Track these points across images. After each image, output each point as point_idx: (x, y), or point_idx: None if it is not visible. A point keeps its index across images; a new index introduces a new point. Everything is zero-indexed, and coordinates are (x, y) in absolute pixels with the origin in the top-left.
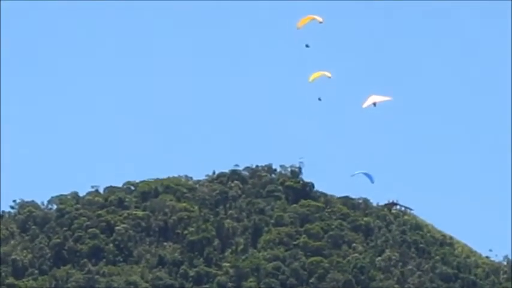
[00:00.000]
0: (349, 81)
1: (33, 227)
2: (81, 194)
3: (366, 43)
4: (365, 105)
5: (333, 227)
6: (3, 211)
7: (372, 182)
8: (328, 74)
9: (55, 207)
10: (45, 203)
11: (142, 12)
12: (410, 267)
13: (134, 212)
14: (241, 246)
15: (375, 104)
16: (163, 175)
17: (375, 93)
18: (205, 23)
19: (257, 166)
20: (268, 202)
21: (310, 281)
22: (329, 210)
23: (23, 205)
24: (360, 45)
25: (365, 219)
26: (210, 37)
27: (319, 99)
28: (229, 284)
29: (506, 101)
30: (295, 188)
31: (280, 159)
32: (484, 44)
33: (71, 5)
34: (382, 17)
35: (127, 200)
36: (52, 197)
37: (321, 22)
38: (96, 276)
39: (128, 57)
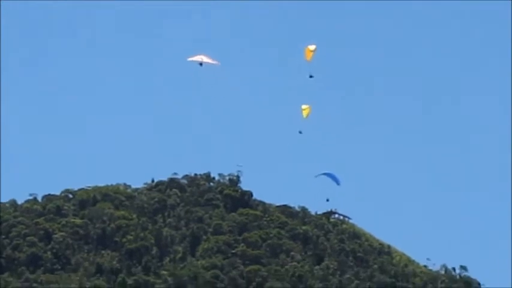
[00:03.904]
0: (290, 90)
1: None
2: (19, 202)
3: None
4: (191, 59)
5: (271, 235)
6: None
7: (338, 183)
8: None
9: None
10: None
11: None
12: (348, 276)
13: (72, 220)
14: (180, 255)
15: (201, 64)
16: (101, 183)
17: (206, 55)
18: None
19: (195, 174)
20: (206, 210)
21: None
22: (267, 218)
23: None
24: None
25: (303, 227)
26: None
27: (300, 132)
28: None
29: (451, 107)
30: (234, 197)
31: (218, 168)
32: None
33: (71, 5)
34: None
35: (65, 207)
36: None
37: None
38: (34, 285)
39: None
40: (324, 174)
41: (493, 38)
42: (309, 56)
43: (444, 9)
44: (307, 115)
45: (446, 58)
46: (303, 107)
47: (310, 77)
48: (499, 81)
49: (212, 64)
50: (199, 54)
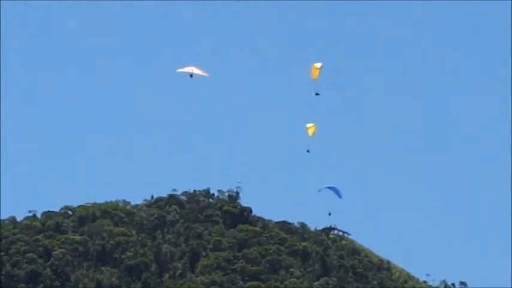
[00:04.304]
0: (289, 106)
1: None
2: (18, 219)
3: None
4: (180, 70)
5: (271, 251)
6: None
7: (340, 196)
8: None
9: None
10: None
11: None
12: None
13: (72, 237)
14: (179, 271)
15: (191, 75)
16: (100, 200)
17: (196, 66)
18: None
19: (195, 191)
20: (206, 227)
21: None
22: (267, 234)
23: None
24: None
25: (303, 243)
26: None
27: (308, 151)
28: None
29: (444, 115)
30: (233, 213)
31: (217, 184)
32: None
33: (72, 5)
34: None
35: (64, 224)
36: None
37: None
38: None
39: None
40: (327, 188)
41: (493, 38)
42: (315, 74)
43: (444, 9)
44: (313, 133)
45: (446, 58)
46: (308, 125)
47: (316, 94)
48: (499, 82)
49: (202, 76)
50: (189, 66)
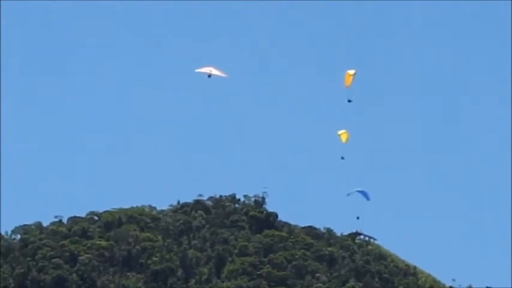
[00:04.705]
0: (316, 110)
1: None
2: (44, 224)
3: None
4: (199, 70)
5: (297, 256)
6: None
7: (368, 199)
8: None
9: (19, 237)
10: (9, 233)
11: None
12: None
13: (98, 242)
14: (205, 276)
15: (209, 75)
16: (126, 205)
17: (215, 67)
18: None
19: (221, 196)
20: (231, 232)
21: None
22: (293, 240)
23: None
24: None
25: (329, 249)
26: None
27: (342, 158)
28: None
29: (468, 122)
30: (259, 218)
31: (244, 189)
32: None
33: (72, 5)
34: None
35: (90, 230)
36: (16, 227)
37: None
38: None
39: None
40: (356, 191)
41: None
42: (348, 81)
43: (444, 9)
44: (347, 140)
45: (446, 58)
46: (340, 132)
47: (349, 101)
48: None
49: (221, 76)
50: (208, 66)
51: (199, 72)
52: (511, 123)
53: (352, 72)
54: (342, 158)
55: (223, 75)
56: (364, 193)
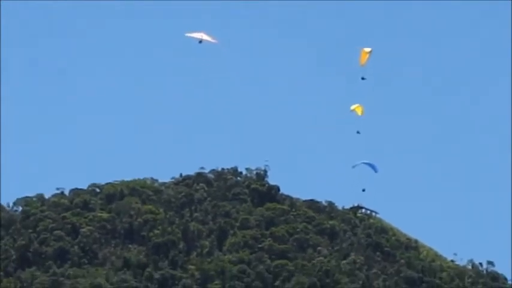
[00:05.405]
0: (318, 84)
1: None
2: (46, 196)
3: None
4: (190, 35)
5: (298, 230)
6: None
7: (376, 171)
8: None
9: (20, 209)
10: (11, 204)
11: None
12: (375, 270)
13: (99, 214)
14: (207, 249)
15: (200, 41)
16: (128, 177)
17: (206, 32)
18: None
19: (223, 169)
20: (233, 205)
21: (275, 284)
22: (294, 213)
23: None
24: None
25: (330, 222)
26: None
27: (358, 132)
28: (195, 287)
29: (475, 105)
30: (261, 191)
31: (245, 162)
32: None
33: (72, 5)
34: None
35: (92, 202)
36: (17, 199)
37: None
38: (61, 279)
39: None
40: (362, 163)
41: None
42: (364, 58)
43: (443, 9)
44: (362, 112)
45: (446, 58)
46: (353, 106)
47: (362, 79)
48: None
49: (212, 42)
50: (199, 32)
51: (190, 37)
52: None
53: (368, 50)
54: (358, 132)
55: (214, 41)
56: (371, 165)
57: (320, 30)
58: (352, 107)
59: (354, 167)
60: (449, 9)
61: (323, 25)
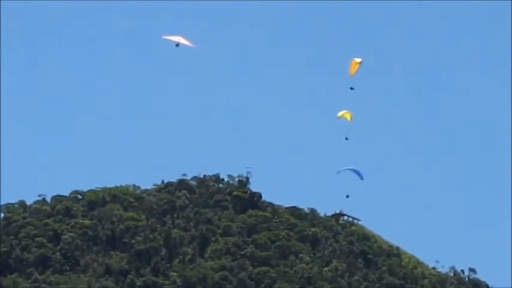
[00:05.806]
0: (297, 92)
1: None
2: (28, 203)
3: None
4: (167, 37)
5: (280, 237)
6: None
7: (362, 178)
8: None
9: (2, 215)
10: None
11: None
12: (357, 277)
13: (81, 221)
14: (189, 256)
15: (177, 44)
16: (110, 184)
17: (184, 36)
18: None
19: (205, 176)
20: (215, 212)
21: None
22: (276, 220)
23: None
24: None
25: (312, 229)
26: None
27: (346, 138)
28: None
29: (456, 108)
30: (243, 198)
31: (227, 169)
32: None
33: (72, 5)
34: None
35: (74, 208)
36: None
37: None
38: (43, 285)
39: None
40: (348, 169)
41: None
42: (354, 68)
43: (443, 9)
44: (351, 118)
45: (446, 57)
46: (341, 113)
47: (351, 89)
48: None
49: (189, 46)
50: (177, 35)
51: (168, 40)
52: (511, 102)
53: (358, 60)
54: (346, 138)
55: (191, 45)
56: (357, 172)
57: (302, 41)
58: (339, 114)
59: (338, 172)
60: (449, 9)
61: (303, 37)
